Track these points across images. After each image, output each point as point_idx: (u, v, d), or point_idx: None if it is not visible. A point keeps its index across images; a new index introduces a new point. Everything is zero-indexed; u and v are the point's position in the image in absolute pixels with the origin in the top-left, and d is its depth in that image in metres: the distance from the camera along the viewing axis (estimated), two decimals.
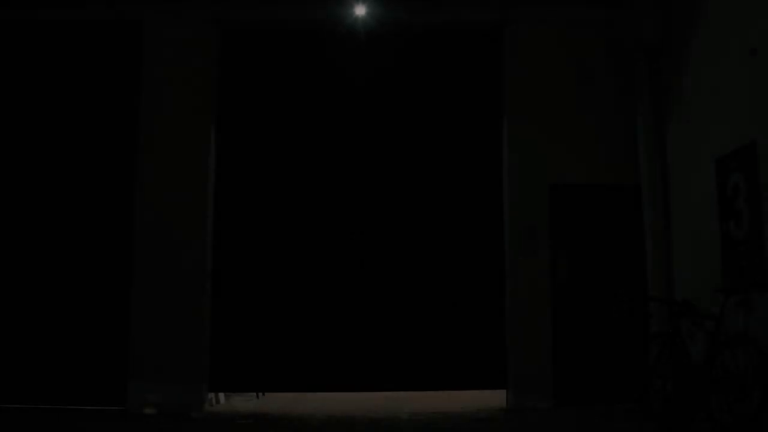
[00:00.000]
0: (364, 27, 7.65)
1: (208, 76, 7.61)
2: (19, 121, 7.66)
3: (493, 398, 8.11)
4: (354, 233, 7.71)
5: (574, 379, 7.32)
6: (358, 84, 7.91)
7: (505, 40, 7.73)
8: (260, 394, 8.53)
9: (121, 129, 7.61)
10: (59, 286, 7.42)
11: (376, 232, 7.72)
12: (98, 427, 6.40)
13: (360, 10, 7.52)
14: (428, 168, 7.82)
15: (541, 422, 6.58)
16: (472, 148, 7.86)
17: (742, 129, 5.94)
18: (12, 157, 7.62)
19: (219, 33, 7.76)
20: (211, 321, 7.42)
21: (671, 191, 7.24)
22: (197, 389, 7.14)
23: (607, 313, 7.48)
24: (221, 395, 8.00)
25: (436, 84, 7.93)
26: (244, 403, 8.04)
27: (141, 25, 7.63)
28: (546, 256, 7.44)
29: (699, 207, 6.68)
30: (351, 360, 7.49)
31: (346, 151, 7.82)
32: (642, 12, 7.24)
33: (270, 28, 7.90)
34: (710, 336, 6.10)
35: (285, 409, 7.56)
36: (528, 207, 7.50)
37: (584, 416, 6.80)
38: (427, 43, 7.97)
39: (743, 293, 5.84)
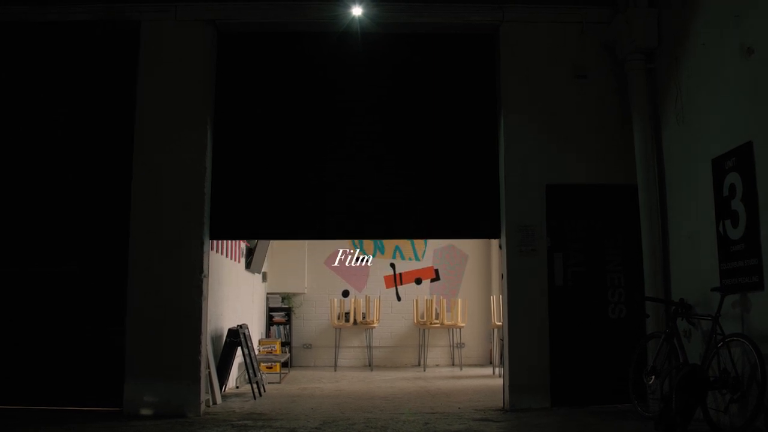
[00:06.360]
0: (360, 27, 7.66)
1: (205, 76, 7.59)
2: (13, 122, 7.63)
3: (490, 399, 8.13)
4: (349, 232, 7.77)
5: (571, 379, 7.31)
6: (355, 84, 7.91)
7: (501, 39, 7.73)
8: (257, 395, 8.51)
9: (116, 129, 7.58)
10: (55, 287, 7.40)
11: (369, 236, 7.73)
12: (93, 429, 6.38)
13: (357, 11, 7.53)
14: (423, 168, 7.81)
15: (538, 422, 6.58)
16: (469, 148, 7.84)
17: (739, 129, 5.95)
18: (8, 159, 7.60)
19: (216, 34, 7.77)
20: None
21: (668, 191, 7.25)
22: (193, 390, 7.12)
23: (604, 312, 7.49)
24: (218, 396, 7.99)
25: (432, 84, 7.92)
26: (241, 403, 8.03)
27: (138, 26, 7.62)
28: (543, 256, 7.44)
29: (695, 207, 6.69)
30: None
31: (342, 151, 7.81)
32: (637, 11, 7.25)
33: (266, 30, 7.89)
34: (707, 336, 6.12)
35: (281, 409, 7.56)
36: (525, 207, 7.50)
37: (581, 416, 6.81)
38: (423, 43, 7.97)
39: (740, 293, 5.85)
